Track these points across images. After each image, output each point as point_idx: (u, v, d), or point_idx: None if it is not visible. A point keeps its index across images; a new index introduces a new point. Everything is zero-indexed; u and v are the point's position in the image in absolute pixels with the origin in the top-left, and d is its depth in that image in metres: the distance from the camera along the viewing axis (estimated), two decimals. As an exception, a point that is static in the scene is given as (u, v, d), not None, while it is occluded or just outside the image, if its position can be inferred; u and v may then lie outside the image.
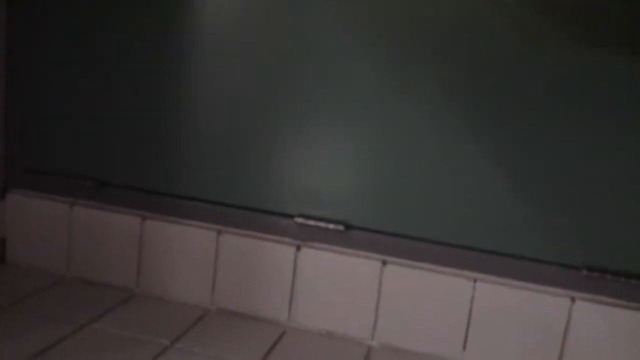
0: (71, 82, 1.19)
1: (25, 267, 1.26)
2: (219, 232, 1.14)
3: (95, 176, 1.21)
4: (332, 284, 1.09)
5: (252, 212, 1.13)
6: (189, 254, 1.16)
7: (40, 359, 0.92)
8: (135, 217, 1.18)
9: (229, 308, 1.15)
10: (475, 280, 1.03)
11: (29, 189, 1.25)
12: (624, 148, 0.96)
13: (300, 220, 1.10)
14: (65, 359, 0.93)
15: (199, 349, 1.01)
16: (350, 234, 1.08)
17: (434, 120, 1.02)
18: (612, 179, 0.97)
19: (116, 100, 1.17)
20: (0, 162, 1.25)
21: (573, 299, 1.00)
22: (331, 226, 1.08)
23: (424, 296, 1.05)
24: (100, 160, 1.20)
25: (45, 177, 1.24)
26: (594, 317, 0.99)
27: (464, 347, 1.05)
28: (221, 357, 0.99)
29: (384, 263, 1.07)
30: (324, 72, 1.06)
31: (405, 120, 1.04)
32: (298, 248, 1.10)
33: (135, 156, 1.18)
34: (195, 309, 1.15)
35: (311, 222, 1.09)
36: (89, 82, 1.18)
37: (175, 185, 1.16)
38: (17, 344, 0.96)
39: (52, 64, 1.20)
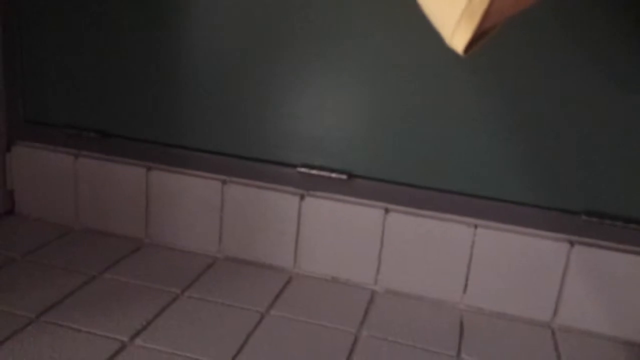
0: (71, 33, 1.18)
1: (34, 219, 1.28)
2: (224, 182, 1.16)
3: (98, 127, 1.21)
4: (335, 232, 1.12)
5: (255, 162, 1.14)
6: (195, 203, 1.18)
7: (55, 309, 0.96)
8: (141, 167, 1.20)
9: (236, 256, 1.18)
10: (475, 227, 1.06)
11: (34, 142, 1.26)
12: (622, 93, 0.96)
13: (303, 169, 1.11)
14: (79, 309, 0.97)
15: (209, 297, 1.05)
16: (353, 182, 1.10)
17: (435, 68, 1.01)
18: (610, 124, 0.97)
19: (117, 51, 1.16)
20: (3, 115, 1.25)
21: (572, 243, 1.02)
22: (334, 175, 1.10)
23: (426, 242, 1.08)
24: (103, 112, 1.20)
25: (49, 129, 1.24)
26: (592, 261, 1.02)
27: (465, 290, 1.08)
28: (231, 304, 1.03)
29: (387, 211, 1.09)
30: (324, 18, 1.04)
31: (406, 69, 1.03)
32: (302, 197, 1.12)
33: (137, 107, 1.18)
34: (203, 258, 1.18)
35: (314, 172, 1.11)
36: (90, 33, 1.17)
37: (179, 136, 1.17)
38: (32, 296, 0.99)
39: (51, 14, 1.18)
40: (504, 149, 1.02)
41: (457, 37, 0.47)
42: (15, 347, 0.86)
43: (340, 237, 1.12)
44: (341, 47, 1.05)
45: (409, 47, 1.02)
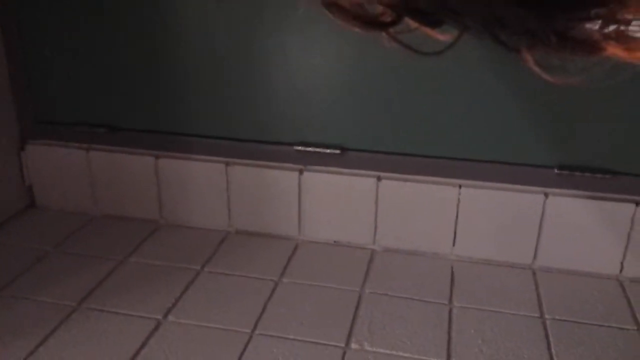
0: (73, 34, 1.25)
1: (55, 210, 1.39)
2: (227, 164, 1.26)
3: (106, 122, 1.30)
4: (334, 201, 1.23)
5: (255, 143, 1.24)
6: (203, 185, 1.29)
7: (93, 296, 1.08)
8: (149, 157, 1.29)
9: (245, 229, 1.30)
10: (460, 186, 1.17)
11: (45, 139, 1.35)
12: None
13: (299, 147, 1.21)
14: (114, 293, 1.09)
15: (227, 270, 1.17)
16: (346, 155, 1.20)
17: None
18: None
19: (119, 49, 1.23)
20: (14, 116, 1.34)
21: (546, 195, 1.14)
22: (328, 151, 1.20)
23: (416, 203, 1.20)
24: (109, 107, 1.29)
25: (59, 128, 1.33)
26: (565, 209, 1.14)
27: (454, 243, 1.21)
28: (247, 275, 1.15)
29: (379, 179, 1.20)
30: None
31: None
32: (300, 172, 1.23)
33: (142, 101, 1.26)
34: (216, 233, 1.30)
35: (309, 149, 1.21)
36: (91, 33, 1.24)
37: (183, 124, 1.26)
38: (71, 285, 1.11)
39: (51, 16, 1.24)
40: (480, 114, 1.12)
41: None
42: (64, 334, 0.99)
43: (339, 205, 1.23)
44: (324, 25, 1.12)
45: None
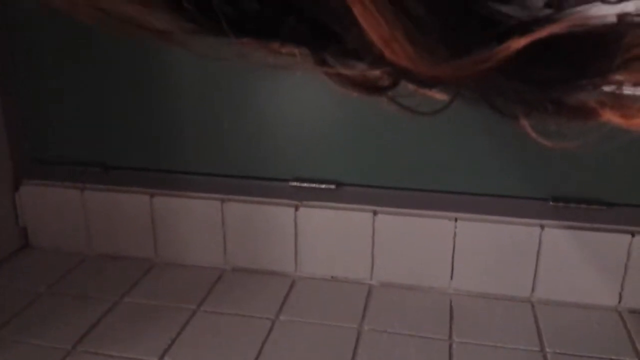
0: (67, 74, 1.25)
1: (50, 251, 1.37)
2: (223, 201, 1.26)
3: (100, 161, 1.29)
4: (330, 236, 1.23)
5: (250, 180, 1.24)
6: (198, 222, 1.28)
7: (88, 338, 1.07)
8: (144, 195, 1.29)
9: (242, 266, 1.29)
10: (456, 220, 1.17)
11: (40, 179, 1.34)
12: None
13: (294, 183, 1.21)
14: (109, 335, 1.08)
15: (223, 309, 1.16)
16: (342, 190, 1.20)
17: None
18: (571, 117, 1.08)
19: (113, 88, 1.24)
20: (8, 156, 1.33)
21: (542, 227, 1.14)
22: (323, 186, 1.20)
23: (413, 237, 1.19)
24: (104, 147, 1.28)
25: (53, 167, 1.32)
26: (562, 240, 1.14)
27: (451, 277, 1.20)
28: (244, 313, 1.14)
29: (375, 213, 1.20)
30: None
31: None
32: (296, 208, 1.23)
33: (136, 140, 1.26)
34: (212, 271, 1.29)
35: (305, 185, 1.21)
36: (86, 73, 1.24)
37: (177, 162, 1.26)
38: (64, 327, 1.09)
39: (46, 57, 1.25)
40: (475, 147, 1.13)
41: None
42: (59, 379, 0.97)
43: (335, 240, 1.23)
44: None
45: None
